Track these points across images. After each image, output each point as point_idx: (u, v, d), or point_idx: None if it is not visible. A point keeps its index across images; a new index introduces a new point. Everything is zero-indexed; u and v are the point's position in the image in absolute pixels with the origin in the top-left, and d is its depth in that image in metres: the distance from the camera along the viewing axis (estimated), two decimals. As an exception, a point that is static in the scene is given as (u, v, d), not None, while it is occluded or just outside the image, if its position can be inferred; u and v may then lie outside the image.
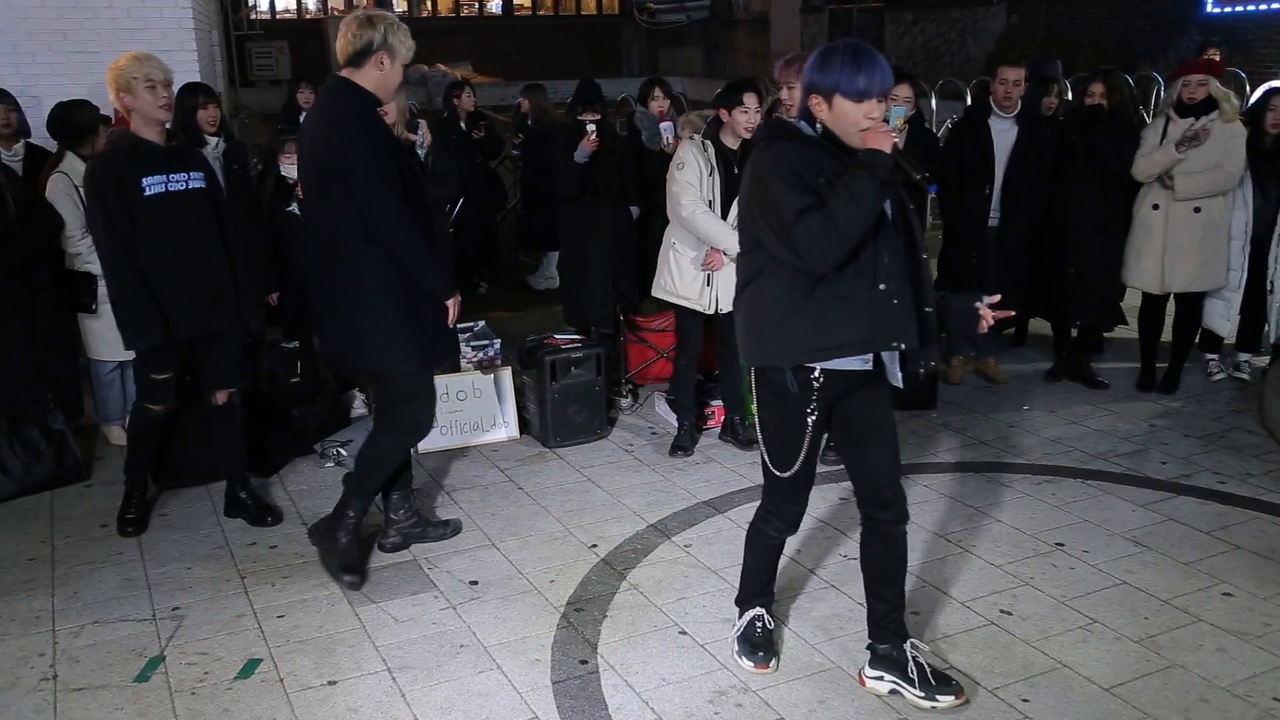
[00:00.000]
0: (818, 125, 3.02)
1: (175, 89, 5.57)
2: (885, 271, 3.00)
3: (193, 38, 7.90)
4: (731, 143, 4.99)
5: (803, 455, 3.22)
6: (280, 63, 18.79)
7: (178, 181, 4.26)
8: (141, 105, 4.14)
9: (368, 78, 3.82)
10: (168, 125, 4.33)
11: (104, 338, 5.28)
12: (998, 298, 3.23)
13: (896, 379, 3.18)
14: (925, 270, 3.14)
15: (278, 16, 24.28)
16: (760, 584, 3.62)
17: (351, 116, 3.80)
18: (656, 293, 5.31)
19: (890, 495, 3.29)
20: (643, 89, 7.16)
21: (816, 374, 3.09)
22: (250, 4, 20.45)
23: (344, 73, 3.86)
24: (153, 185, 4.19)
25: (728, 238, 4.74)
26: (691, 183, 4.92)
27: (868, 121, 2.89)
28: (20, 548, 4.50)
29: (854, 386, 3.16)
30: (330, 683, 3.50)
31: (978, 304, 3.20)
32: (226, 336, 4.50)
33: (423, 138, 5.08)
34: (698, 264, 5.04)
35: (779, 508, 3.42)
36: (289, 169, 5.40)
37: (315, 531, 4.33)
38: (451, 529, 4.53)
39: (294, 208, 5.49)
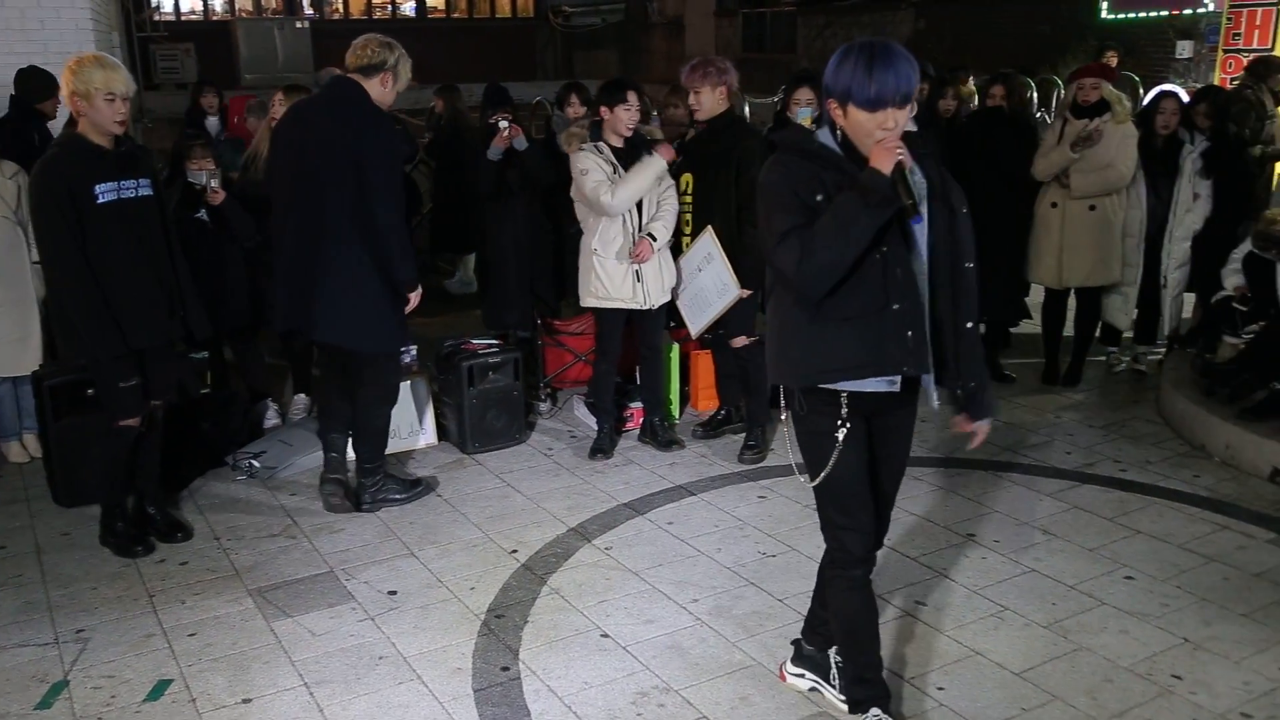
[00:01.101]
0: (839, 131, 2.78)
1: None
2: (899, 290, 2.75)
3: (91, 39, 7.69)
4: (615, 141, 5.04)
5: (832, 464, 2.93)
6: (186, 65, 18.39)
7: (128, 189, 4.12)
8: (97, 116, 3.99)
9: (372, 89, 4.37)
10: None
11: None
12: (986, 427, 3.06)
13: (932, 400, 2.98)
14: (967, 282, 2.86)
15: (183, 18, 23.76)
16: (860, 649, 3.15)
17: (383, 119, 4.45)
18: (587, 302, 5.21)
19: (875, 543, 3.10)
20: (560, 93, 7.15)
21: (845, 392, 2.86)
22: (154, 5, 19.95)
23: (354, 76, 4.38)
24: (105, 193, 4.04)
25: (647, 190, 5.00)
26: (601, 180, 4.93)
27: (881, 133, 2.62)
28: (-84, 572, 4.33)
29: (888, 406, 2.93)
30: (245, 700, 3.43)
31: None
32: (172, 345, 4.42)
33: None
34: (623, 259, 5.03)
35: (834, 535, 3.05)
36: (196, 175, 5.27)
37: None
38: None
39: (202, 214, 5.35)
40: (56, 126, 6.31)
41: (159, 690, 3.49)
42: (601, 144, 5.01)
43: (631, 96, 4.97)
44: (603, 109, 5.02)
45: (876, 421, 2.98)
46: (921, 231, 2.78)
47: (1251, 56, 10.45)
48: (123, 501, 4.47)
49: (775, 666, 3.52)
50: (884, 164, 2.60)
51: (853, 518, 3.00)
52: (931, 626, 3.77)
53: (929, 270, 2.81)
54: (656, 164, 4.97)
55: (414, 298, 4.57)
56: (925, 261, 2.80)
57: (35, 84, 6.53)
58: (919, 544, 4.39)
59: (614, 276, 5.06)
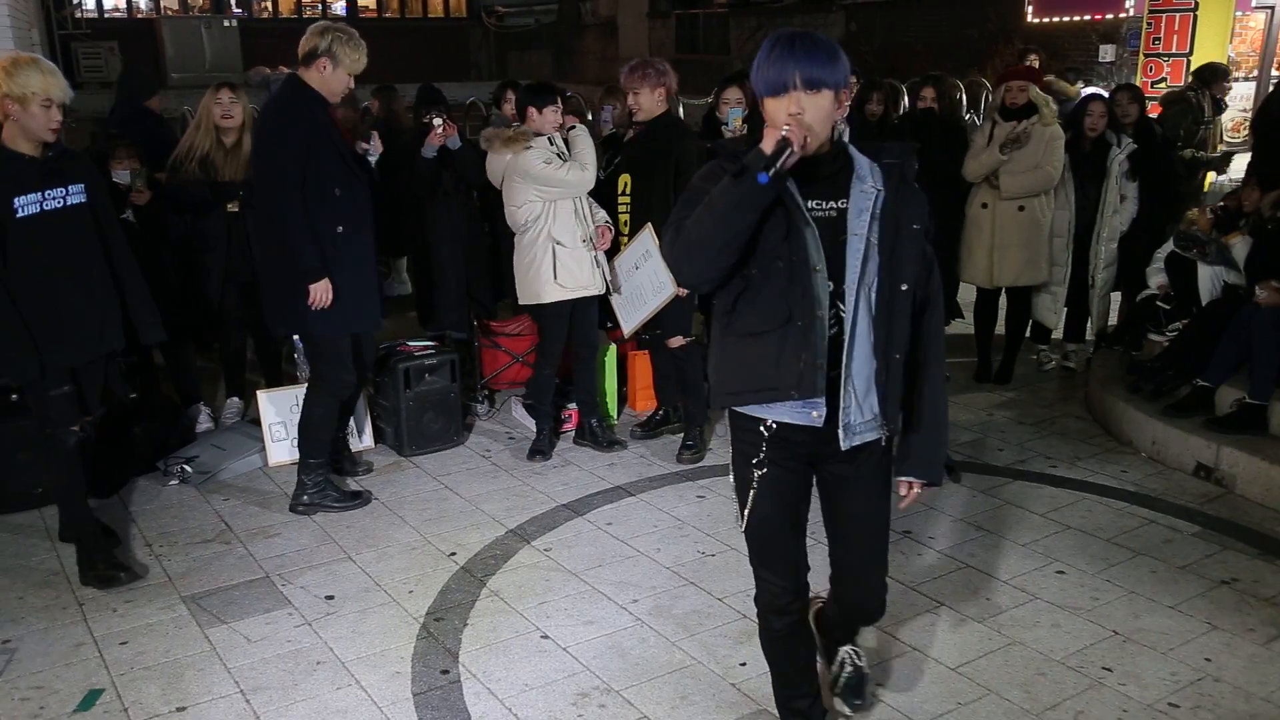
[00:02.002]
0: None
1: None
2: (799, 305, 2.50)
3: (10, 37, 7.49)
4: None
5: (748, 510, 2.72)
6: (110, 64, 17.97)
7: (54, 199, 3.87)
8: (31, 122, 3.76)
9: (311, 78, 4.39)
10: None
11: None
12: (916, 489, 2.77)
13: (841, 439, 2.58)
14: (900, 306, 2.56)
15: (106, 15, 23.20)
16: (786, 683, 2.99)
17: (284, 110, 4.44)
18: (549, 296, 5.09)
19: (866, 612, 2.93)
20: (497, 92, 7.14)
21: (768, 421, 2.61)
22: (75, 2, 19.49)
23: (297, 70, 4.45)
24: (26, 205, 3.79)
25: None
26: (566, 164, 4.97)
27: (791, 120, 2.39)
28: None
29: (827, 450, 2.63)
30: (179, 709, 3.36)
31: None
32: (105, 360, 4.18)
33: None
34: (586, 246, 5.05)
35: (758, 582, 2.85)
36: (121, 175, 5.16)
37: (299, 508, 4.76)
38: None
39: (129, 215, 5.24)
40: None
41: (90, 700, 3.41)
42: (546, 138, 5.01)
43: (558, 101, 5.08)
44: (530, 110, 5.02)
45: (824, 469, 2.72)
46: (855, 249, 2.50)
47: (1173, 61, 10.76)
48: (91, 522, 4.23)
49: (716, 665, 3.54)
50: (767, 142, 2.38)
51: (769, 569, 2.80)
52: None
53: (872, 292, 2.54)
54: (583, 132, 5.11)
55: (314, 290, 4.40)
56: (854, 279, 2.51)
57: None
58: (856, 541, 4.43)
59: (582, 264, 5.06)
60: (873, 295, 2.54)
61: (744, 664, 3.55)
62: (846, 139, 2.60)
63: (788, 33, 2.48)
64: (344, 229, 4.49)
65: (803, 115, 2.41)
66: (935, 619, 3.85)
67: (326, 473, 4.83)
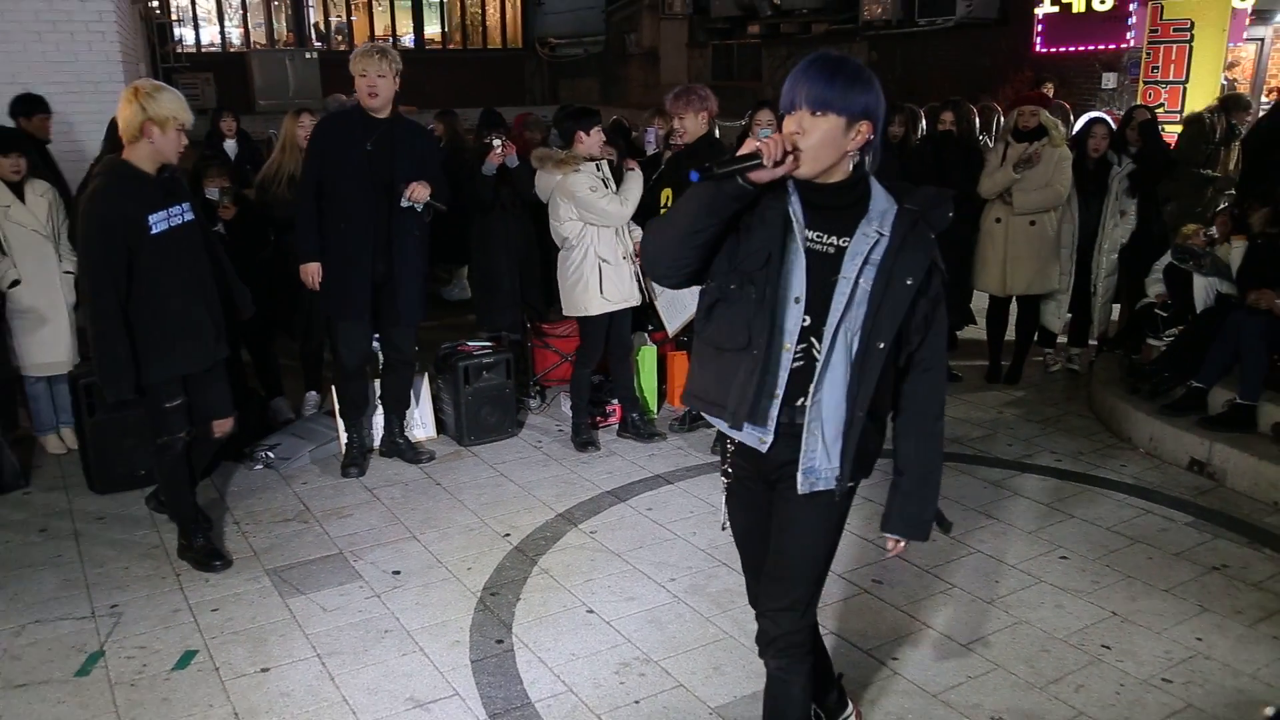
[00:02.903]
0: None
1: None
2: (760, 336, 2.22)
3: (120, 70, 7.62)
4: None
5: (725, 519, 2.58)
6: (206, 93, 18.22)
7: (175, 216, 3.81)
8: (166, 144, 3.72)
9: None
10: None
11: (31, 353, 5.08)
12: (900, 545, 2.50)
13: (800, 482, 2.30)
14: (872, 362, 2.21)
15: (203, 50, 23.56)
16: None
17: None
18: (594, 309, 5.10)
19: (772, 628, 2.45)
20: (557, 116, 7.16)
21: (734, 436, 2.40)
22: (177, 38, 19.80)
23: None
24: (157, 223, 3.73)
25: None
26: (609, 193, 4.99)
27: (778, 136, 2.13)
28: (-41, 554, 4.29)
29: (779, 475, 2.37)
30: (263, 670, 3.41)
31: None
32: (221, 366, 4.12)
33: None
34: (629, 260, 5.07)
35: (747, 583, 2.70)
36: (211, 192, 5.25)
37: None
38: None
39: (220, 228, 5.32)
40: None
41: (185, 660, 3.47)
42: (596, 164, 5.03)
43: (600, 126, 5.12)
44: (579, 134, 5.04)
45: (777, 490, 2.41)
46: (842, 292, 2.19)
47: (1170, 88, 10.59)
48: (195, 516, 4.21)
49: (746, 639, 3.53)
50: (742, 150, 2.14)
51: (748, 573, 2.64)
52: (887, 602, 3.80)
53: (854, 340, 2.22)
54: (639, 176, 5.09)
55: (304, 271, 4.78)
56: (835, 321, 2.20)
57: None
58: (875, 527, 4.39)
59: (623, 279, 5.09)
60: (853, 343, 2.22)
61: (771, 638, 3.54)
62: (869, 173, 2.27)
63: (820, 54, 2.19)
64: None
65: (800, 136, 2.14)
66: (948, 599, 3.82)
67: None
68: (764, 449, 2.32)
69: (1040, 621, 3.65)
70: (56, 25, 7.47)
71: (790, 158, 2.11)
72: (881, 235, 2.20)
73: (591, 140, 5.02)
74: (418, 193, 4.65)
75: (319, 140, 4.72)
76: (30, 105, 6.12)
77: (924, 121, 7.90)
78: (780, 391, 2.25)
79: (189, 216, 3.91)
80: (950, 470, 5.02)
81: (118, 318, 3.72)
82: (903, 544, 2.47)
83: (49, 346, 5.10)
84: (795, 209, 2.21)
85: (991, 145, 6.59)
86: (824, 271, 2.21)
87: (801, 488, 2.30)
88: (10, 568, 4.15)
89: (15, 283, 4.97)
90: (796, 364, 2.24)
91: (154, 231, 3.75)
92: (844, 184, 2.23)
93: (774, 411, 2.27)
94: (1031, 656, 3.44)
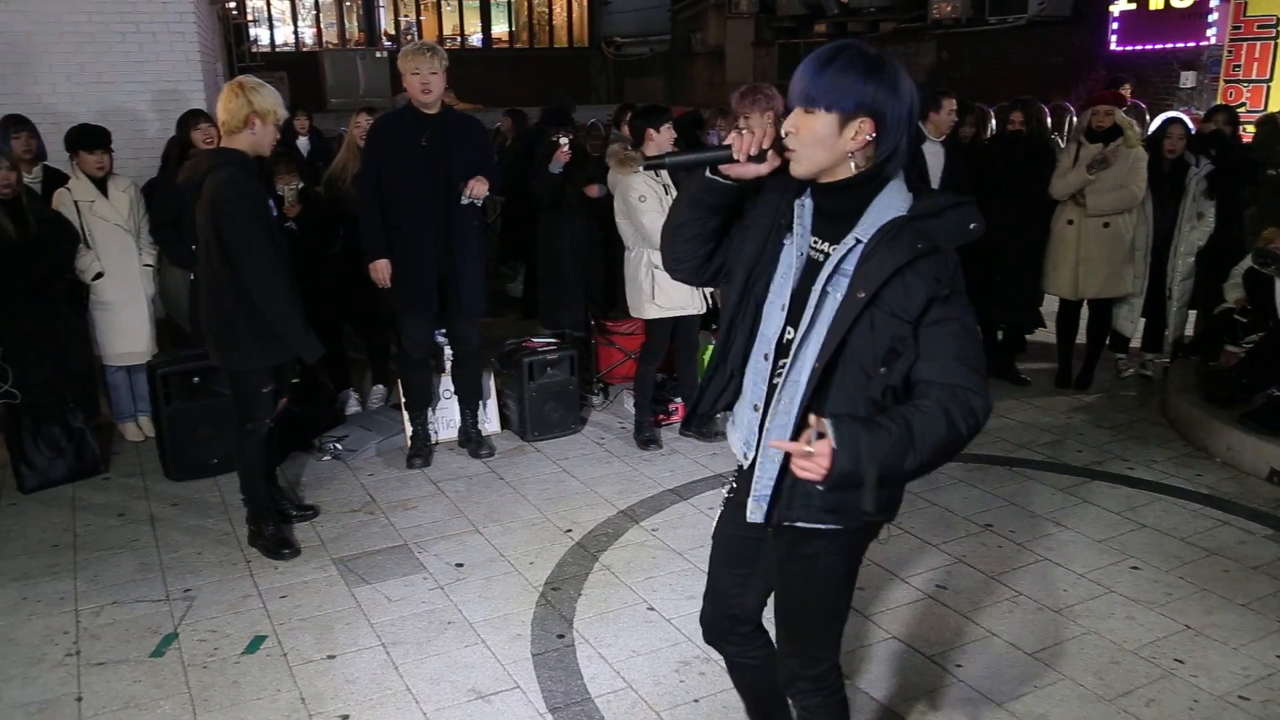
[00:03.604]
0: None
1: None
2: (743, 334, 2.13)
3: (199, 70, 7.80)
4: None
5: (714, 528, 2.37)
6: (279, 92, 18.59)
7: (272, 208, 4.07)
8: (265, 137, 3.89)
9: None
10: None
11: (112, 343, 5.23)
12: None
13: (749, 509, 2.11)
14: (808, 385, 1.97)
15: (277, 49, 24.05)
16: None
17: None
18: (649, 313, 5.11)
19: (783, 670, 2.33)
20: (616, 114, 7.19)
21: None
22: (252, 38, 20.23)
23: None
24: (273, 208, 4.00)
25: None
26: (656, 211, 4.91)
27: (756, 130, 2.01)
28: (45, 535, 4.43)
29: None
30: (330, 657, 3.47)
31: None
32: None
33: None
34: None
35: None
36: (281, 189, 5.36)
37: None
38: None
39: (291, 224, 5.42)
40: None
41: (255, 644, 3.54)
42: (657, 172, 5.01)
43: (670, 123, 5.05)
44: (649, 131, 5.03)
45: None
46: (811, 302, 1.99)
47: (1253, 86, 10.27)
48: (269, 504, 4.29)
49: (807, 640, 3.50)
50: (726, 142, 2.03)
51: (705, 597, 2.46)
52: (951, 608, 3.74)
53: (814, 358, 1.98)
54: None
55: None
56: (801, 334, 2.00)
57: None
58: (940, 532, 4.34)
59: (679, 287, 5.03)
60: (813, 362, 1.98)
61: (833, 641, 3.51)
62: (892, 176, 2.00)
63: (830, 44, 1.96)
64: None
65: (793, 134, 1.95)
66: (1014, 607, 3.74)
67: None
68: (745, 463, 2.17)
69: (1110, 633, 3.56)
70: (140, 26, 7.67)
71: (770, 155, 1.98)
72: (859, 242, 1.95)
73: (661, 138, 5.00)
74: (477, 189, 4.70)
75: (375, 140, 4.78)
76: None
77: (993, 121, 7.76)
78: (761, 404, 2.09)
79: (274, 211, 4.14)
80: (1017, 476, 4.92)
81: (286, 286, 3.90)
82: (823, 443, 1.77)
83: (129, 337, 5.25)
84: (802, 211, 2.06)
85: (1064, 146, 6.45)
86: (810, 279, 2.02)
87: (750, 514, 2.11)
88: (91, 550, 4.27)
89: (99, 275, 5.12)
90: (777, 377, 2.06)
91: (275, 215, 3.98)
92: (845, 185, 1.97)
93: (754, 423, 2.11)
94: (1101, 668, 3.35)
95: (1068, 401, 6.01)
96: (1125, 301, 6.06)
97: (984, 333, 6.43)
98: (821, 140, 1.93)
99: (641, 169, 4.92)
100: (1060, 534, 4.31)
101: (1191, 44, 12.24)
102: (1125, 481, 4.85)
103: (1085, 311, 6.20)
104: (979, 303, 6.51)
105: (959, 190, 5.96)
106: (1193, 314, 6.47)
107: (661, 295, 5.06)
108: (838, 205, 2.00)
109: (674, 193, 4.99)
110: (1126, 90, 8.46)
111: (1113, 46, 13.29)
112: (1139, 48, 12.94)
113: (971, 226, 1.97)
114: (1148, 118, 10.12)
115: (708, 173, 2.04)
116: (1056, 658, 3.41)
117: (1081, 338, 6.27)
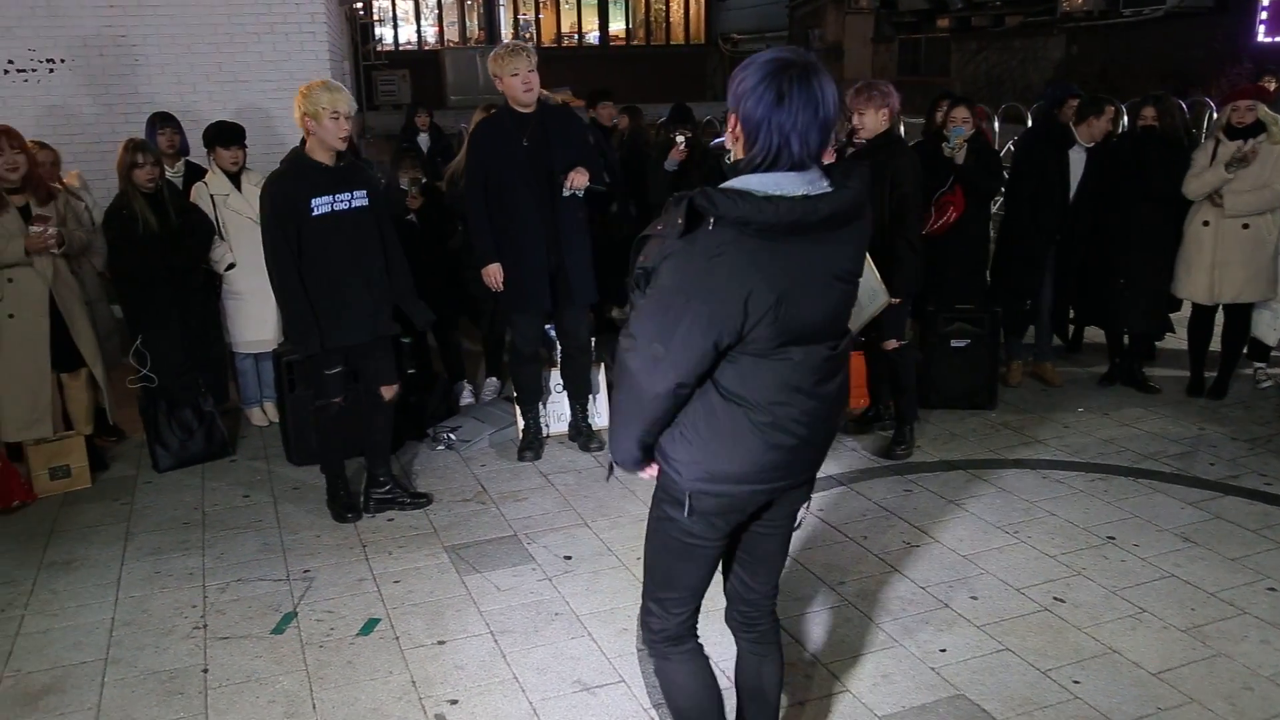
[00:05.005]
0: None
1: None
2: None
3: (328, 68, 8.10)
4: None
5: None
6: (402, 89, 19.13)
7: (342, 201, 4.16)
8: (323, 133, 4.06)
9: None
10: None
11: (241, 331, 5.46)
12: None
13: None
14: None
15: (400, 48, 24.76)
16: None
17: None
18: None
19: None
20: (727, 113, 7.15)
21: None
22: (377, 37, 20.87)
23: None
24: (320, 206, 4.11)
25: None
26: None
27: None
28: (176, 513, 4.65)
29: None
30: (440, 642, 3.56)
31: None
32: (385, 340, 4.44)
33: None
34: None
35: None
36: (403, 182, 5.51)
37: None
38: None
39: (411, 216, 5.57)
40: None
41: (369, 627, 3.65)
42: None
43: None
44: None
45: None
46: None
47: None
48: (340, 471, 4.61)
49: (916, 649, 3.43)
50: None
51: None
52: (1069, 622, 3.60)
53: None
54: None
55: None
56: None
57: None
58: (1058, 543, 4.20)
59: None
60: None
61: (944, 650, 3.43)
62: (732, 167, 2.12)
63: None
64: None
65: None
66: (1137, 623, 3.59)
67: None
68: None
69: (1243, 656, 3.38)
70: (274, 27, 8.00)
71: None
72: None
73: None
74: (578, 180, 4.74)
75: (478, 145, 4.84)
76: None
77: (1125, 118, 7.45)
78: None
79: (360, 202, 4.23)
80: (1143, 488, 4.72)
81: (293, 283, 4.14)
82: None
83: (257, 326, 5.47)
84: None
85: (1201, 143, 6.14)
86: None
87: None
88: (218, 529, 4.48)
89: (231, 266, 5.35)
90: None
91: (315, 214, 4.12)
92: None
93: None
94: (1232, 693, 3.19)
95: (1200, 412, 5.72)
96: (1266, 307, 5.74)
97: (1110, 337, 6.18)
98: (733, 139, 2.13)
99: None
100: (1189, 550, 4.12)
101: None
102: (1262, 497, 4.60)
103: (1220, 317, 5.90)
104: (1105, 306, 6.28)
105: (1093, 192, 5.76)
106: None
107: None
108: None
109: None
110: (1271, 84, 8.02)
111: (1260, 38, 12.61)
112: (1288, 39, 12.26)
113: (677, 222, 2.01)
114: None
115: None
116: (1183, 680, 3.26)
117: (1216, 345, 5.97)
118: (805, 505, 2.43)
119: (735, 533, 2.41)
